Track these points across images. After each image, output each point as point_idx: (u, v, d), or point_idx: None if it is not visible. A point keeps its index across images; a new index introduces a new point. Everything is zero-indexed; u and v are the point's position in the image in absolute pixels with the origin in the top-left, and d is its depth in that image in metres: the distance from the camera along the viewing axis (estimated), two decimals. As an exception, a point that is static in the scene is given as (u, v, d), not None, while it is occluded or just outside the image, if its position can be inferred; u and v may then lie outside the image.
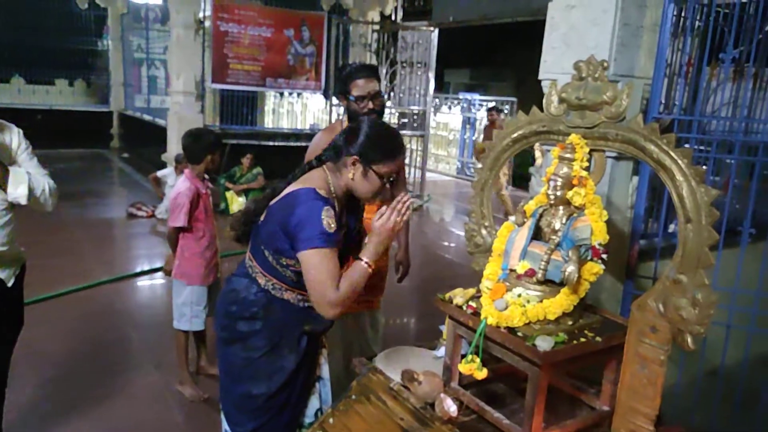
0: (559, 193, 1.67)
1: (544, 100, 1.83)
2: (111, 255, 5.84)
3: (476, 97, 13.54)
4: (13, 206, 2.10)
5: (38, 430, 2.78)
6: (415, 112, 9.08)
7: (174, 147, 7.97)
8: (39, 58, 13.07)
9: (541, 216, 1.74)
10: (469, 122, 12.80)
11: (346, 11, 9.70)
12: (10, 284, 2.14)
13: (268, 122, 12.24)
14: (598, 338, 1.60)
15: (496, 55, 17.20)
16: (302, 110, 13.97)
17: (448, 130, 13.47)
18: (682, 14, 2.71)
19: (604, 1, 2.50)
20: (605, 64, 1.67)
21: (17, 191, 2.03)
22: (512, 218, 1.80)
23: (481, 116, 12.74)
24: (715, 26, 2.67)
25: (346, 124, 2.71)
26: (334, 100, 9.25)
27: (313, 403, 2.06)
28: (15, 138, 2.14)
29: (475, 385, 1.79)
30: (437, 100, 13.75)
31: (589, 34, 2.56)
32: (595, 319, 1.71)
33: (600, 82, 1.67)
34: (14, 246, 2.14)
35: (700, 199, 1.44)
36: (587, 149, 1.68)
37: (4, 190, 2.03)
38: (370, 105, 2.63)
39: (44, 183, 2.14)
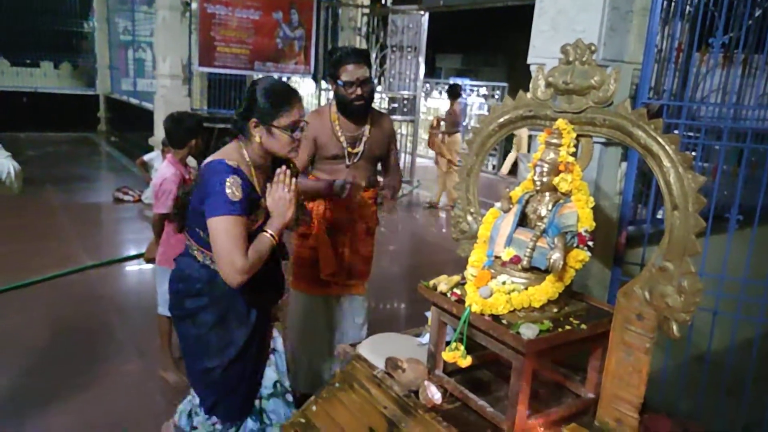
0: (545, 179, 1.65)
1: (531, 84, 1.80)
2: (97, 240, 5.77)
3: (467, 82, 13.46)
4: None
5: (16, 420, 2.73)
6: (406, 97, 9.01)
7: (161, 131, 7.81)
8: (24, 39, 12.83)
9: (527, 202, 1.72)
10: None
11: (335, -6, 9.57)
12: None
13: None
14: (583, 326, 1.58)
15: (488, 40, 17.08)
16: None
17: (438, 114, 13.40)
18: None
19: (594, -16, 2.46)
20: (593, 48, 1.64)
21: None
22: (498, 204, 1.78)
23: (472, 102, 12.69)
24: (705, 11, 2.64)
25: (335, 108, 2.68)
26: (324, 84, 9.16)
27: (270, 375, 2.12)
28: None
29: (459, 373, 1.77)
30: (428, 85, 13.66)
31: (578, 18, 2.52)
32: (580, 306, 1.69)
33: (587, 66, 1.64)
34: None
35: (687, 186, 1.41)
36: (574, 134, 1.65)
37: None
38: (359, 91, 2.59)
39: (8, 165, 2.10)
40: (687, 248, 1.42)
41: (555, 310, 1.62)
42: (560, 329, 1.55)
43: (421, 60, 8.47)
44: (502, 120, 1.88)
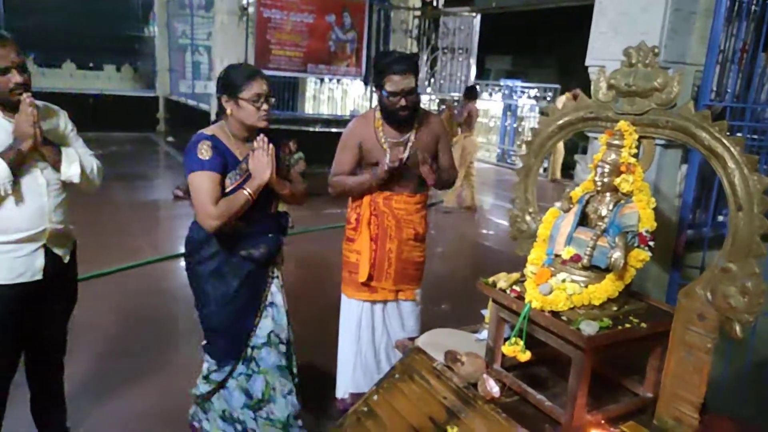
0: (606, 180, 1.68)
1: (592, 87, 1.83)
2: (159, 235, 6.05)
3: (518, 84, 13.34)
4: (65, 186, 2.21)
5: (95, 399, 2.93)
6: (456, 98, 9.02)
7: (217, 132, 8.14)
8: (89, 44, 13.48)
9: (587, 202, 1.75)
10: (510, 109, 12.64)
11: (387, -3, 9.69)
12: (66, 260, 2.27)
13: (308, 108, 12.34)
14: (643, 324, 1.61)
15: (538, 41, 16.89)
16: (342, 96, 14.03)
17: (488, 117, 13.35)
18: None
19: (656, -15, 2.45)
20: (656, 51, 1.66)
21: (70, 170, 2.14)
22: (558, 204, 1.81)
23: (523, 103, 12.58)
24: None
25: (379, 113, 2.66)
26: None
27: (266, 325, 2.36)
28: (63, 121, 2.26)
29: (516, 368, 1.82)
30: (478, 86, 13.62)
31: (639, 19, 2.52)
32: (640, 305, 1.71)
33: (650, 69, 1.66)
34: (67, 224, 2.26)
35: (752, 187, 1.42)
36: (636, 136, 1.67)
37: (58, 170, 2.14)
38: (403, 102, 2.51)
39: (92, 162, 2.26)
40: (751, 249, 1.43)
41: (615, 308, 1.65)
42: (620, 327, 1.58)
43: (473, 62, 8.50)
44: (561, 122, 1.91)
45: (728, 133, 1.49)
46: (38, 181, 2.09)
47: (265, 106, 2.17)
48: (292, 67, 9.00)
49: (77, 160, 2.17)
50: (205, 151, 2.13)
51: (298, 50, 8.95)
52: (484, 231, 7.29)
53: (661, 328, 1.62)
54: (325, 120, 10.39)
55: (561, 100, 9.45)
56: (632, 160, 1.66)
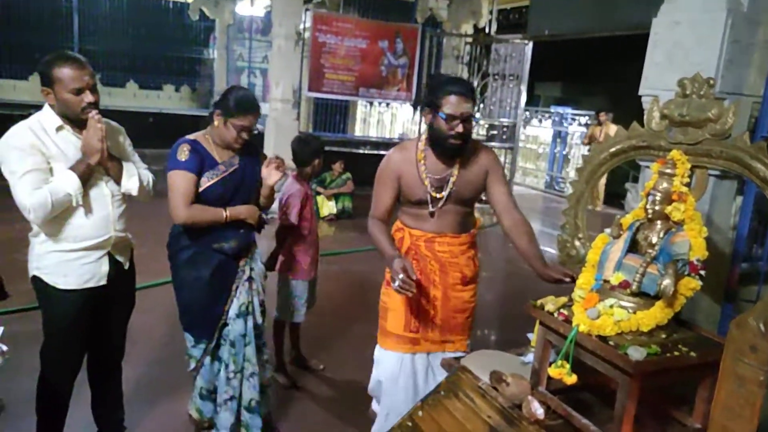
0: (657, 208, 1.69)
1: (645, 116, 1.85)
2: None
3: (568, 111, 13.25)
4: (125, 197, 2.35)
5: (150, 402, 3.05)
6: (505, 124, 9.05)
7: (271, 151, 8.32)
8: (150, 65, 14.16)
9: (637, 229, 1.76)
10: (560, 136, 12.55)
11: (440, 23, 9.84)
12: (126, 267, 2.41)
13: (358, 130, 12.58)
14: (692, 353, 1.60)
15: (589, 68, 16.72)
16: (391, 120, 14.24)
17: (537, 143, 13.29)
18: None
19: (713, 17, 2.46)
20: (711, 82, 1.68)
21: (130, 183, 2.30)
22: (608, 230, 1.83)
23: (573, 130, 12.47)
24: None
25: (423, 143, 2.37)
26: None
27: (234, 310, 2.55)
28: (123, 137, 2.42)
29: (561, 392, 1.83)
30: (527, 113, 13.59)
31: (695, 50, 2.53)
32: (690, 334, 1.71)
33: (705, 100, 1.68)
34: (127, 233, 2.40)
35: (808, 219, 1.42)
36: (688, 165, 1.69)
37: (119, 183, 2.28)
38: (460, 128, 2.22)
39: (148, 176, 2.41)
40: (807, 282, 1.42)
41: (663, 335, 1.65)
42: (668, 354, 1.58)
43: (523, 88, 8.51)
44: (613, 149, 1.94)
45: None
46: (104, 192, 2.24)
47: (245, 136, 2.45)
48: (345, 90, 9.22)
49: (136, 174, 2.32)
50: (183, 153, 2.38)
51: (351, 74, 9.17)
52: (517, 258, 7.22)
53: (711, 358, 1.61)
54: (374, 142, 10.57)
55: (606, 128, 9.31)
56: (684, 189, 1.68)
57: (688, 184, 1.70)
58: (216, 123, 2.44)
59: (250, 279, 2.60)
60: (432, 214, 2.38)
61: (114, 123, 2.38)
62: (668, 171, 1.69)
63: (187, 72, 15.23)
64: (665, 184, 1.69)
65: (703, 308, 2.57)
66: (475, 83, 8.95)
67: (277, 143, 8.64)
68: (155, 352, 3.63)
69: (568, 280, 2.20)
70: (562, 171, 12.55)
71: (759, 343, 1.52)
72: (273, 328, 3.27)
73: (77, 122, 2.17)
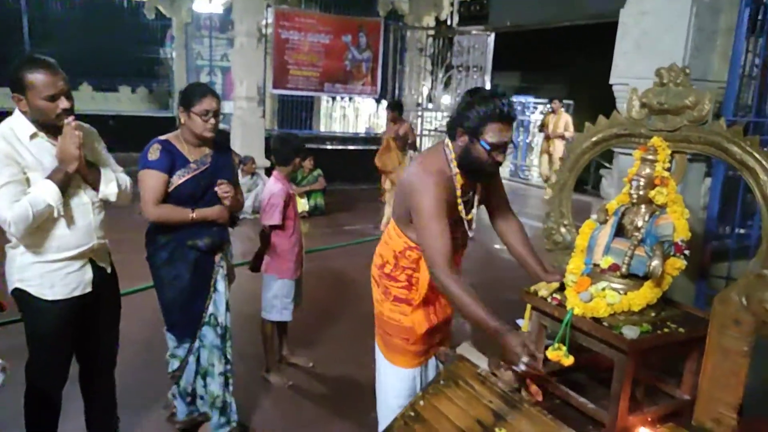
0: (641, 193, 1.77)
1: (625, 105, 1.93)
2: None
3: (530, 99, 13.48)
4: (104, 203, 2.30)
5: (141, 408, 2.99)
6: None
7: (237, 150, 8.28)
8: (104, 66, 13.76)
9: (623, 214, 1.84)
10: (522, 125, 12.76)
11: (401, 17, 9.88)
12: (109, 271, 2.37)
13: (324, 126, 12.55)
14: (681, 329, 1.69)
15: (547, 57, 17.03)
16: (355, 114, 14.24)
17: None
18: (758, 16, 2.73)
19: (678, 6, 2.56)
20: (687, 71, 1.76)
21: (108, 189, 2.24)
22: (594, 216, 1.91)
23: (535, 119, 12.69)
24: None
25: (455, 166, 2.07)
26: (377, 103, 9.40)
27: (210, 309, 2.63)
28: (97, 140, 2.34)
29: (556, 374, 1.90)
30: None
31: (663, 39, 2.63)
32: (676, 312, 1.80)
33: (682, 88, 1.76)
34: (106, 239, 2.36)
35: (784, 198, 1.51)
36: (669, 151, 1.77)
37: (97, 190, 2.23)
38: (501, 157, 2.01)
39: (125, 180, 2.36)
40: (786, 256, 1.51)
41: (653, 314, 1.73)
42: (659, 332, 1.66)
43: (487, 79, 8.64)
44: (595, 138, 2.02)
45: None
46: (83, 200, 2.18)
47: (212, 121, 2.48)
48: (309, 86, 9.19)
49: (114, 180, 2.26)
50: (154, 153, 2.45)
51: (315, 70, 9.14)
52: (500, 246, 7.36)
53: (698, 333, 1.69)
54: (342, 138, 10.56)
55: (559, 116, 9.35)
56: (666, 173, 1.76)
57: (668, 169, 1.78)
58: (182, 120, 2.50)
59: (227, 275, 2.67)
60: (460, 234, 2.20)
61: (85, 125, 2.28)
62: (650, 157, 1.76)
63: (143, 72, 14.88)
64: (648, 170, 1.76)
65: (680, 287, 2.68)
66: (440, 75, 9.04)
67: (244, 142, 8.56)
68: (140, 356, 3.57)
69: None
70: (526, 159, 12.78)
71: (742, 316, 1.62)
72: (261, 329, 3.27)
73: (52, 129, 2.08)
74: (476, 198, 2.20)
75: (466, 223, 2.19)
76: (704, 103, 1.70)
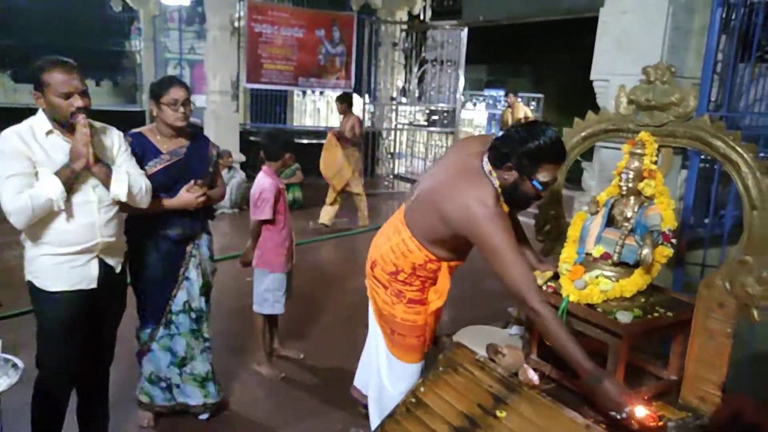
0: (631, 185, 1.87)
1: (611, 101, 2.03)
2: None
3: (502, 93, 13.66)
4: (117, 201, 2.32)
5: (133, 404, 2.97)
6: (445, 109, 9.26)
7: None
8: (68, 58, 13.44)
9: (612, 205, 1.94)
10: (494, 118, 12.95)
11: (374, 11, 9.89)
12: (118, 270, 2.38)
13: (298, 120, 12.48)
14: (669, 313, 1.80)
15: (514, 51, 17.25)
16: (325, 108, 14.20)
17: (473, 126, 13.63)
18: (732, 17, 2.87)
19: (656, 6, 2.67)
20: (672, 69, 1.86)
21: (118, 189, 2.26)
22: (585, 207, 2.00)
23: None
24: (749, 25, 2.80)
25: (502, 202, 2.00)
26: (358, 97, 9.42)
27: (182, 296, 2.69)
28: (116, 140, 2.37)
29: (550, 358, 1.99)
30: (462, 96, 13.90)
31: (641, 37, 2.74)
32: (663, 297, 1.91)
33: (668, 85, 1.86)
34: (120, 237, 2.37)
35: (765, 189, 1.63)
36: (656, 145, 1.87)
37: (107, 188, 2.26)
38: (546, 194, 2.02)
39: (141, 182, 2.37)
40: (766, 243, 1.63)
41: (642, 300, 1.84)
42: (650, 316, 1.77)
43: (461, 73, 8.73)
44: (584, 133, 2.11)
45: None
46: (90, 198, 2.20)
47: (182, 110, 2.54)
48: (283, 80, 9.13)
49: (126, 180, 2.27)
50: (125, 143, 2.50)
51: (289, 64, 9.09)
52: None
53: (686, 316, 1.81)
54: (316, 132, 10.55)
55: (516, 110, 9.40)
56: (653, 166, 1.86)
57: (655, 162, 1.89)
58: (154, 112, 2.57)
59: (200, 264, 2.72)
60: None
61: (108, 126, 2.35)
62: (638, 151, 1.86)
63: (107, 65, 14.56)
64: (636, 163, 1.87)
65: (658, 274, 2.82)
66: (414, 70, 9.10)
67: (218, 136, 8.45)
68: (133, 352, 3.54)
69: None
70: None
71: (726, 299, 1.73)
72: (253, 322, 3.29)
73: (67, 126, 2.14)
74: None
75: None
76: (689, 100, 1.80)
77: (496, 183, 1.97)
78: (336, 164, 6.58)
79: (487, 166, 1.99)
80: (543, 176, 1.90)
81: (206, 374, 2.79)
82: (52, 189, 2.05)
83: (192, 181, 2.60)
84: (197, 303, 2.73)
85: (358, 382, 2.70)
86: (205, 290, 2.77)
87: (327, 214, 6.68)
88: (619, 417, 1.62)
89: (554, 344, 1.77)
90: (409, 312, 2.24)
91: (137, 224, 2.57)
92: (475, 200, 1.90)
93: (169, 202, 2.56)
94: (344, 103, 6.86)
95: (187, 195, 2.58)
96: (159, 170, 2.53)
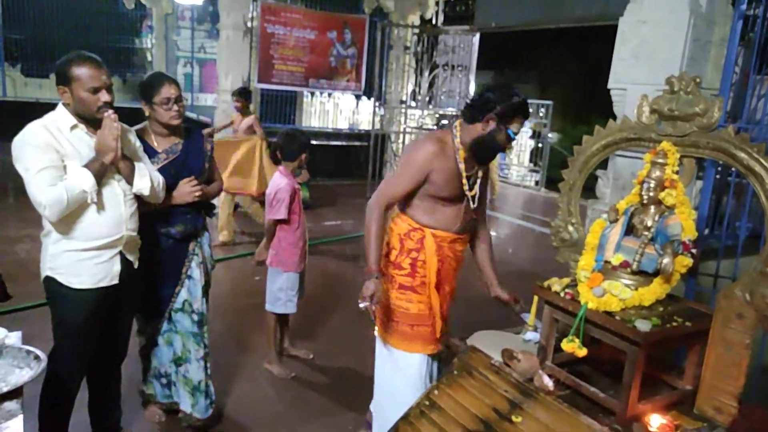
0: (652, 194, 1.87)
1: (635, 111, 2.03)
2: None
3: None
4: (136, 197, 2.35)
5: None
6: (454, 114, 9.27)
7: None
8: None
9: (632, 214, 1.94)
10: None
11: (386, 14, 9.93)
12: (136, 266, 2.40)
13: (308, 121, 12.51)
14: (687, 323, 1.80)
15: (521, 58, 17.29)
16: (334, 110, 14.22)
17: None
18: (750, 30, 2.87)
19: (676, 18, 2.69)
20: (698, 80, 1.87)
21: (141, 183, 2.30)
22: (604, 215, 2.01)
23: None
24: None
25: (459, 140, 2.29)
26: (367, 100, 9.44)
27: (183, 295, 2.68)
28: (133, 138, 2.40)
29: (565, 365, 2.00)
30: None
31: (660, 48, 2.76)
32: (681, 306, 1.91)
33: (692, 96, 1.87)
34: (137, 233, 2.39)
35: (788, 201, 1.63)
36: (678, 155, 1.87)
37: (131, 183, 2.28)
38: (511, 144, 2.36)
39: (158, 177, 2.40)
40: (788, 255, 1.63)
41: (660, 309, 1.84)
42: (668, 325, 1.77)
43: (472, 78, 8.75)
44: (605, 141, 2.12)
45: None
46: (116, 191, 2.23)
47: (175, 108, 2.51)
48: (294, 81, 9.18)
49: (147, 175, 2.31)
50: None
51: (300, 65, 9.13)
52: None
53: (704, 326, 1.81)
54: (326, 133, 10.57)
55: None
56: (675, 176, 1.87)
57: (677, 172, 1.89)
58: (147, 112, 2.55)
59: (203, 263, 2.71)
60: (464, 212, 2.36)
61: (125, 125, 2.36)
62: (660, 161, 1.87)
63: (117, 62, 14.63)
64: (658, 173, 1.87)
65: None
66: (425, 74, 9.11)
67: (276, 138, 8.47)
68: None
69: (516, 305, 2.50)
70: (506, 158, 12.96)
71: (744, 310, 1.73)
72: (265, 321, 3.31)
73: (91, 121, 2.17)
74: (478, 180, 2.38)
75: (469, 199, 2.35)
76: (713, 111, 1.80)
77: (458, 136, 2.30)
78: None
79: (456, 124, 2.32)
80: (515, 127, 2.24)
81: (198, 383, 2.73)
82: (85, 181, 2.09)
83: (184, 181, 2.56)
84: (198, 304, 2.70)
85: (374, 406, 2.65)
86: (206, 290, 2.76)
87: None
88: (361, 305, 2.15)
89: (365, 240, 2.28)
90: (401, 298, 2.38)
91: (140, 222, 2.54)
92: (422, 137, 2.28)
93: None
94: (242, 97, 6.05)
95: (183, 188, 2.54)
96: (157, 170, 2.49)
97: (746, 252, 2.76)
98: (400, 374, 2.40)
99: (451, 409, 1.97)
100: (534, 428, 1.75)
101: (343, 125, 12.33)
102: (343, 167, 9.86)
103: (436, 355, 2.46)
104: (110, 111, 2.13)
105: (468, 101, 2.34)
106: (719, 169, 2.96)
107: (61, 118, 2.16)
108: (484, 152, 2.29)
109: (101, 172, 2.14)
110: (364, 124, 11.03)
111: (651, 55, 2.79)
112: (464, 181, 2.31)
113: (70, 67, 2.10)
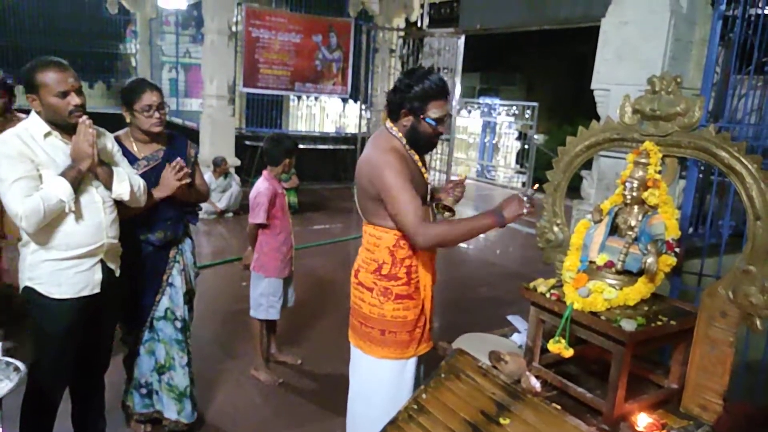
0: (635, 194, 1.88)
1: (618, 111, 2.04)
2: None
3: (497, 101, 13.74)
4: (116, 203, 2.31)
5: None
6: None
7: (208, 149, 8.19)
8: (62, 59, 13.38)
9: (616, 214, 1.95)
10: (489, 126, 13.01)
11: (372, 17, 9.94)
12: (117, 274, 2.37)
13: (295, 125, 12.49)
14: (672, 322, 1.81)
15: (506, 59, 17.37)
16: (320, 114, 14.21)
17: (467, 133, 13.68)
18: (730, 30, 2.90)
19: (658, 18, 2.71)
20: (678, 80, 1.88)
21: (121, 188, 2.25)
22: (588, 216, 2.02)
23: (502, 120, 12.96)
24: (746, 38, 2.83)
25: (407, 144, 2.19)
26: (354, 103, 9.44)
27: (164, 303, 2.64)
28: (110, 142, 2.36)
29: (552, 366, 2.00)
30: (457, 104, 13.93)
31: (642, 48, 2.77)
32: (665, 305, 1.91)
33: (673, 96, 1.88)
34: (118, 240, 2.36)
35: (769, 199, 1.64)
36: (660, 155, 1.88)
37: (110, 189, 2.25)
38: (442, 127, 2.18)
39: (138, 181, 2.37)
40: (769, 253, 1.64)
41: (645, 308, 1.84)
42: (653, 324, 1.77)
43: (458, 81, 8.75)
44: (588, 142, 2.12)
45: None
46: (95, 198, 2.19)
47: (156, 115, 2.47)
48: (280, 85, 9.16)
49: (127, 179, 2.28)
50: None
51: (286, 69, 9.11)
52: (469, 246, 7.51)
53: (689, 325, 1.82)
54: (312, 137, 10.56)
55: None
56: (657, 176, 1.87)
57: (659, 172, 1.90)
58: (127, 119, 2.51)
59: (184, 270, 2.68)
60: (430, 213, 2.28)
61: (101, 128, 2.31)
62: (643, 160, 1.87)
63: (101, 68, 14.53)
64: (641, 173, 1.87)
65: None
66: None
67: (213, 140, 8.46)
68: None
69: (463, 177, 2.40)
70: (492, 160, 13.02)
71: (728, 309, 1.74)
72: (250, 326, 3.29)
73: (65, 128, 2.12)
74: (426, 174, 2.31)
75: (430, 192, 2.29)
76: (695, 110, 1.82)
77: (399, 134, 2.18)
78: None
79: (389, 124, 2.21)
80: (434, 113, 2.11)
81: (184, 389, 2.71)
82: (62, 190, 2.04)
83: (177, 162, 2.49)
84: (181, 311, 2.67)
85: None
86: (189, 297, 2.73)
87: None
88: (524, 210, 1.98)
89: (469, 236, 2.09)
90: (399, 308, 2.22)
91: (120, 229, 2.48)
92: (378, 152, 2.13)
93: (155, 193, 2.48)
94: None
95: (167, 178, 2.48)
96: (139, 175, 2.44)
97: (730, 250, 2.78)
98: (387, 383, 2.26)
99: (439, 412, 1.96)
100: (521, 430, 1.75)
101: (329, 129, 12.31)
102: (330, 171, 9.85)
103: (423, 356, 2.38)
104: (84, 116, 2.08)
105: (387, 98, 2.24)
106: (702, 168, 2.98)
107: (34, 126, 2.11)
108: (419, 146, 2.21)
109: (78, 180, 2.10)
110: (351, 127, 11.03)
111: (633, 55, 2.80)
112: (426, 175, 2.26)
113: (34, 74, 2.05)
